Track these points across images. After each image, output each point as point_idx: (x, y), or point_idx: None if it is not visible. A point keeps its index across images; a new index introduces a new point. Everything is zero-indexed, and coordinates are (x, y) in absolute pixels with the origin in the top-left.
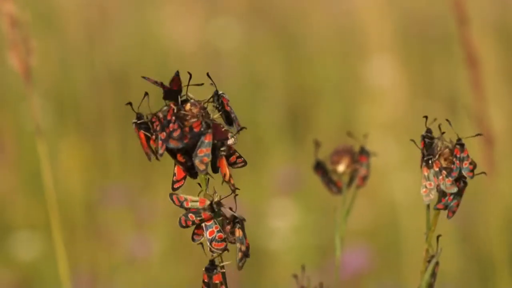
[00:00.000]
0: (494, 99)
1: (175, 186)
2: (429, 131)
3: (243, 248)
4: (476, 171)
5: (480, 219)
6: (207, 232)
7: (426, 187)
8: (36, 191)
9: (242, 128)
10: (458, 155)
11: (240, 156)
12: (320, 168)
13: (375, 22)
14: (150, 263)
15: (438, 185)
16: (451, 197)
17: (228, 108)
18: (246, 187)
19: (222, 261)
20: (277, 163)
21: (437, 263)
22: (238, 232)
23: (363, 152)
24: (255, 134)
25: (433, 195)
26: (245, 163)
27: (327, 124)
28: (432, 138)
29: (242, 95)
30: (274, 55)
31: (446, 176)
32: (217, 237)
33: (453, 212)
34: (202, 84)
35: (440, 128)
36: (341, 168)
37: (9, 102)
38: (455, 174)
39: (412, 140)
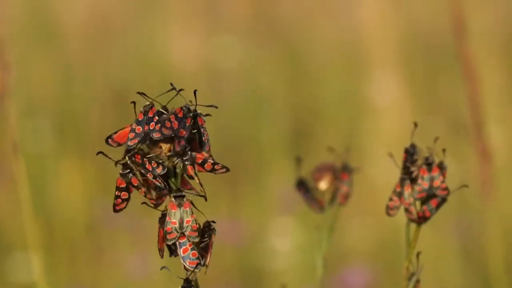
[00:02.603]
0: (498, 115)
1: (118, 208)
2: (411, 147)
3: (209, 258)
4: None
5: (483, 236)
6: (181, 250)
7: (392, 200)
8: (36, 211)
9: (215, 164)
10: (425, 176)
11: (217, 163)
12: (302, 186)
13: (380, 37)
14: (150, 283)
15: (402, 205)
16: (429, 212)
17: (202, 130)
18: (247, 205)
19: (196, 279)
20: (279, 180)
21: (417, 281)
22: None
23: (345, 169)
24: (258, 152)
25: (396, 212)
26: (226, 169)
27: (330, 141)
28: (412, 156)
29: (245, 112)
30: (277, 72)
31: (410, 204)
32: (191, 255)
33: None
34: (209, 115)
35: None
36: (323, 185)
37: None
38: (421, 195)
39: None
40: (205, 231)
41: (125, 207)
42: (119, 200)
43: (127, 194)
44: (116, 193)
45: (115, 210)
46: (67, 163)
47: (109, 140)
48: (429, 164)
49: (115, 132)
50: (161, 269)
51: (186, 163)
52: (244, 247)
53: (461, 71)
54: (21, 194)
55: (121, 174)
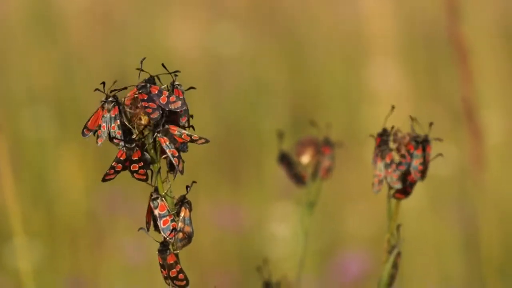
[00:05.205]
0: (496, 98)
1: (107, 177)
2: (384, 131)
3: (187, 229)
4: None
5: (478, 218)
6: (161, 221)
7: (376, 176)
8: (37, 199)
9: (190, 127)
10: (411, 151)
11: (193, 135)
12: (285, 160)
13: (380, 25)
14: (150, 267)
15: (385, 177)
16: (410, 187)
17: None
18: (248, 192)
19: (176, 249)
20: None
21: (398, 254)
22: (184, 212)
23: (327, 143)
24: (258, 139)
25: (381, 186)
26: (205, 140)
27: (331, 129)
28: (386, 136)
29: (246, 100)
30: (278, 60)
31: (394, 171)
32: (171, 226)
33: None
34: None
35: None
36: (305, 159)
37: (9, 109)
38: (402, 167)
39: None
40: (178, 204)
41: (113, 178)
42: (112, 170)
43: (121, 166)
44: (113, 163)
45: (104, 179)
46: (68, 150)
47: (85, 131)
48: (417, 142)
49: (88, 121)
50: (138, 230)
51: (159, 135)
52: (245, 233)
53: (453, 53)
54: (4, 174)
55: (127, 148)
